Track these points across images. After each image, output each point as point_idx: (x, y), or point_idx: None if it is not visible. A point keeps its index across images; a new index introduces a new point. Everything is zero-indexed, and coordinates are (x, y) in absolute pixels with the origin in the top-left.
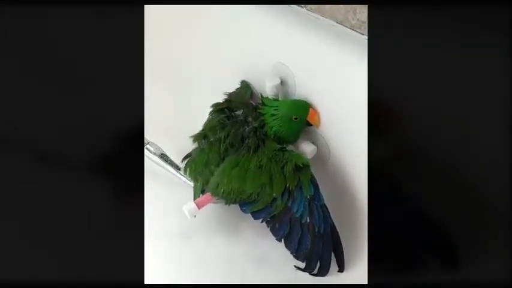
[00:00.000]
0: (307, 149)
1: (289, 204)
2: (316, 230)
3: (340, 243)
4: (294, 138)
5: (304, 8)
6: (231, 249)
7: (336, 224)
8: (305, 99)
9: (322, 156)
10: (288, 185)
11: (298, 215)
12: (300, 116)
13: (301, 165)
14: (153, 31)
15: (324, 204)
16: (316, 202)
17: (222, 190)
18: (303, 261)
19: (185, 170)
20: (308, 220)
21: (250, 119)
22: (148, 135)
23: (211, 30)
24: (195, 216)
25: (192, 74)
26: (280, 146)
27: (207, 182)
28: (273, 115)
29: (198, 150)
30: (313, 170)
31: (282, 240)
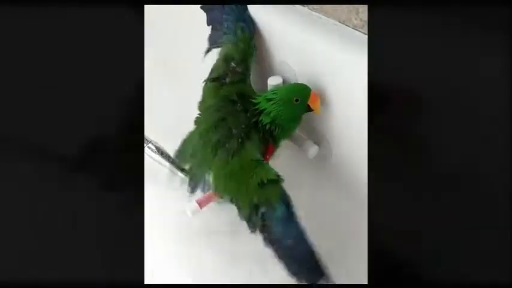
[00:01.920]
0: (309, 148)
1: (266, 222)
2: (293, 250)
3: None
4: (294, 125)
5: (307, 8)
6: (231, 249)
7: (336, 223)
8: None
9: (324, 155)
10: (255, 200)
11: (275, 237)
12: (302, 98)
13: (266, 181)
14: (153, 31)
15: (298, 222)
16: (289, 221)
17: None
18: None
19: (177, 157)
20: (288, 242)
21: (244, 110)
22: (148, 134)
23: None
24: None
25: (192, 73)
26: (258, 156)
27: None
28: (269, 99)
29: (189, 138)
30: (314, 169)
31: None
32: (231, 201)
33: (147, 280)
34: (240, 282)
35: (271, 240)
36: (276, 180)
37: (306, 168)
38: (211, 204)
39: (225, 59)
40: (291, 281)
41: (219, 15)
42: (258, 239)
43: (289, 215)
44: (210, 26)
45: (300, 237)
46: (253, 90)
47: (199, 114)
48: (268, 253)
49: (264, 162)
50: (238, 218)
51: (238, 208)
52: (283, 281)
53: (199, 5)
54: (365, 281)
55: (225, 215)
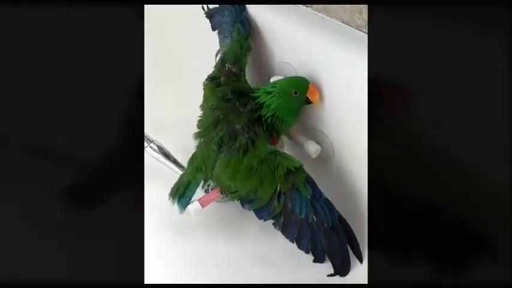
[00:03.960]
0: (311, 148)
1: (289, 205)
2: (326, 226)
3: (353, 233)
4: (293, 118)
5: (310, 8)
6: (232, 249)
7: None
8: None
9: (326, 155)
10: (279, 188)
11: (303, 216)
12: (300, 91)
13: (293, 169)
14: (153, 31)
15: (326, 198)
16: (317, 200)
17: (224, 187)
18: (322, 262)
19: (188, 166)
20: (315, 219)
21: (243, 106)
22: (148, 134)
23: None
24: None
25: (193, 73)
26: (272, 148)
27: (206, 179)
28: (269, 93)
29: (198, 146)
30: (316, 169)
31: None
32: (247, 195)
33: (147, 280)
34: (240, 283)
35: (289, 223)
36: (301, 167)
37: (308, 167)
38: (214, 204)
39: (221, 60)
40: (292, 280)
41: (219, 20)
42: (259, 239)
43: (315, 195)
44: (217, 31)
45: (328, 212)
46: (249, 86)
47: (201, 115)
48: (269, 253)
49: (282, 152)
50: (239, 218)
51: (256, 199)
52: (284, 281)
53: (200, 5)
54: (365, 281)
55: (227, 214)
